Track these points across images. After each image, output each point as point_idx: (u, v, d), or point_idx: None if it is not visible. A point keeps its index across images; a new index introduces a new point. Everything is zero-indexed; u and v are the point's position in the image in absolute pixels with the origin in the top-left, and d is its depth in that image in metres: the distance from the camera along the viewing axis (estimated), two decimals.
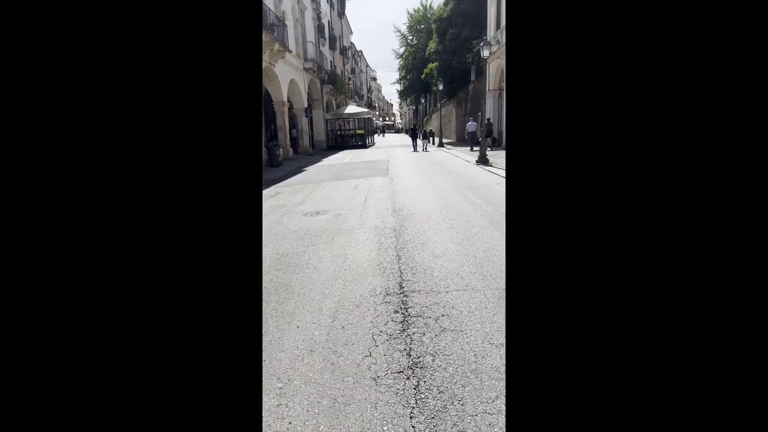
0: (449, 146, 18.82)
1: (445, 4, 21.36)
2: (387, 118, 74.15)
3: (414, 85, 38.25)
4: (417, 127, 20.94)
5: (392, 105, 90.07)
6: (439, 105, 31.64)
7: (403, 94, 46.17)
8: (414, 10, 36.30)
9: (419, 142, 17.65)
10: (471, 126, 15.83)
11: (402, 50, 39.58)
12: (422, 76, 31.05)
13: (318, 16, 20.73)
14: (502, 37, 14.62)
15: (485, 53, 10.11)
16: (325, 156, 15.87)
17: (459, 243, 3.53)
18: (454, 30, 19.94)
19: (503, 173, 8.27)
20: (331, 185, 7.60)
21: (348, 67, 33.52)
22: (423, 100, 33.96)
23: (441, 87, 18.58)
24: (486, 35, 17.38)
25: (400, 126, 69.49)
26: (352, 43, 37.60)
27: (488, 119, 16.72)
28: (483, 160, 10.44)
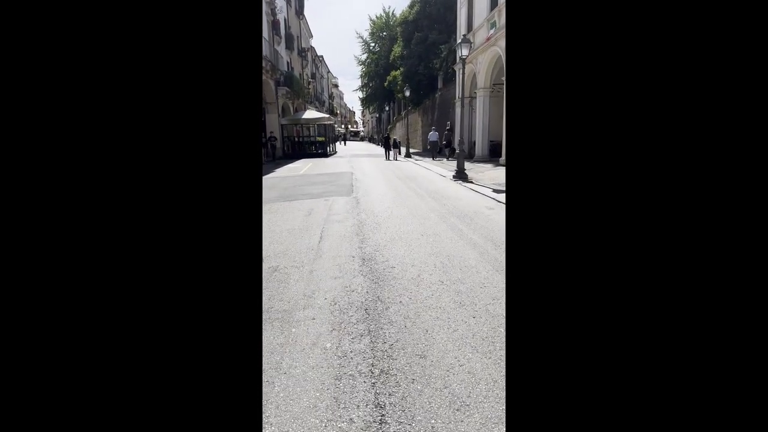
0: (417, 156, 17.51)
1: (411, 6, 20.25)
2: (350, 126, 72.59)
3: (377, 93, 37.32)
4: (389, 136, 19.51)
5: (354, 113, 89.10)
6: (404, 113, 30.59)
7: (365, 102, 44.95)
8: (376, 17, 35.49)
9: (395, 151, 17.13)
10: (433, 135, 15.37)
11: (364, 57, 38.57)
12: (385, 84, 30.05)
13: (273, 11, 18.77)
14: (475, 40, 13.59)
15: (464, 52, 8.81)
16: (279, 165, 13.86)
17: (486, 350, 1.90)
18: (420, 34, 18.83)
19: (489, 192, 6.89)
20: (276, 209, 5.76)
21: (308, 70, 31.61)
22: (387, 108, 32.76)
23: (408, 93, 17.29)
24: (455, 39, 16.37)
25: (363, 134, 68.23)
26: (312, 47, 35.72)
27: (447, 129, 16.01)
28: (461, 175, 9.07)
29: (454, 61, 16.45)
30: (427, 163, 13.87)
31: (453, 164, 12.50)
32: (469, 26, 14.16)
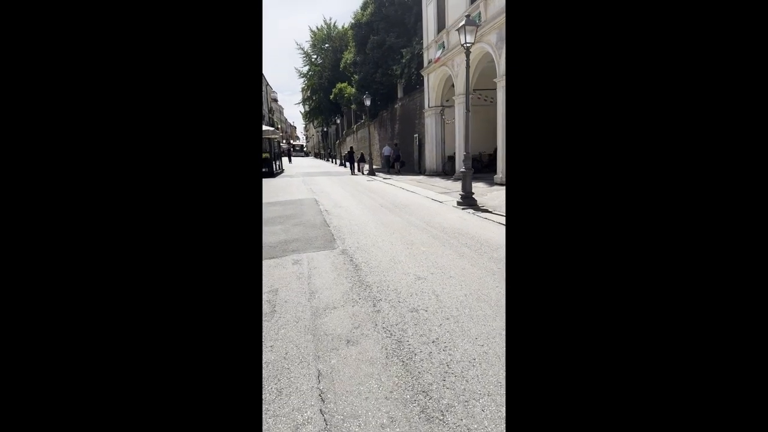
0: (382, 174, 15.20)
1: (363, 8, 18.20)
2: (291, 140, 68.78)
3: (321, 106, 35.14)
4: (353, 150, 18.21)
5: (295, 128, 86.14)
6: (354, 126, 28.38)
7: (309, 116, 42.12)
8: (317, 28, 33.55)
9: (362, 165, 17.31)
10: (386, 150, 16.06)
11: (306, 69, 36.28)
12: (331, 96, 27.99)
13: None
14: (448, 41, 11.78)
15: (468, 38, 6.62)
16: None
17: None
18: (376, 37, 16.78)
19: None
20: None
21: None
22: (339, 120, 30.34)
23: (368, 102, 15.00)
24: (418, 41, 14.55)
25: (306, 149, 65.08)
26: None
27: (396, 143, 17.25)
28: (470, 201, 6.86)
29: (419, 66, 14.60)
30: (400, 181, 11.57)
31: (433, 181, 10.42)
32: (440, 25, 12.37)
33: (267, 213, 6.56)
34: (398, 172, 15.57)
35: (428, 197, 8.12)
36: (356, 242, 4.39)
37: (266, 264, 3.64)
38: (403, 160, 16.57)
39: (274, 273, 3.38)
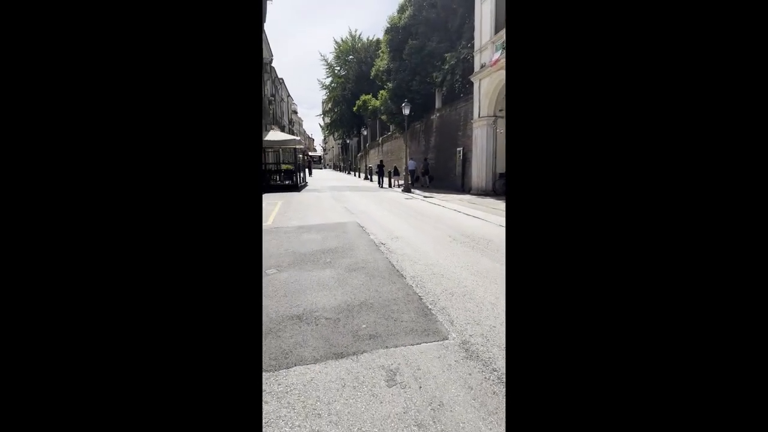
0: (419, 191, 13.47)
1: (401, 11, 16.86)
2: (309, 152, 68.60)
3: (343, 118, 34.12)
4: (383, 162, 17.70)
5: (313, 140, 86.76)
6: (380, 139, 26.98)
7: (330, 127, 41.21)
8: (342, 40, 32.83)
9: (395, 179, 16.81)
10: (411, 164, 15.60)
11: (329, 81, 35.56)
12: (354, 108, 26.86)
13: None
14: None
15: None
16: None
17: None
18: (415, 41, 15.33)
19: None
20: None
21: (267, 89, 27.29)
22: (365, 132, 29.04)
23: (407, 111, 13.38)
24: (465, 45, 12.99)
25: (325, 162, 64.52)
26: (272, 67, 31.72)
27: (425, 158, 16.72)
28: None
29: (465, 73, 13.00)
30: (444, 201, 9.78)
31: (486, 202, 8.33)
32: (499, 23, 10.76)
33: (303, 244, 4.85)
34: (427, 187, 14.89)
35: (496, 223, 6.31)
36: (472, 319, 2.60)
37: (335, 369, 1.88)
38: (431, 175, 15.63)
39: (358, 409, 1.61)
